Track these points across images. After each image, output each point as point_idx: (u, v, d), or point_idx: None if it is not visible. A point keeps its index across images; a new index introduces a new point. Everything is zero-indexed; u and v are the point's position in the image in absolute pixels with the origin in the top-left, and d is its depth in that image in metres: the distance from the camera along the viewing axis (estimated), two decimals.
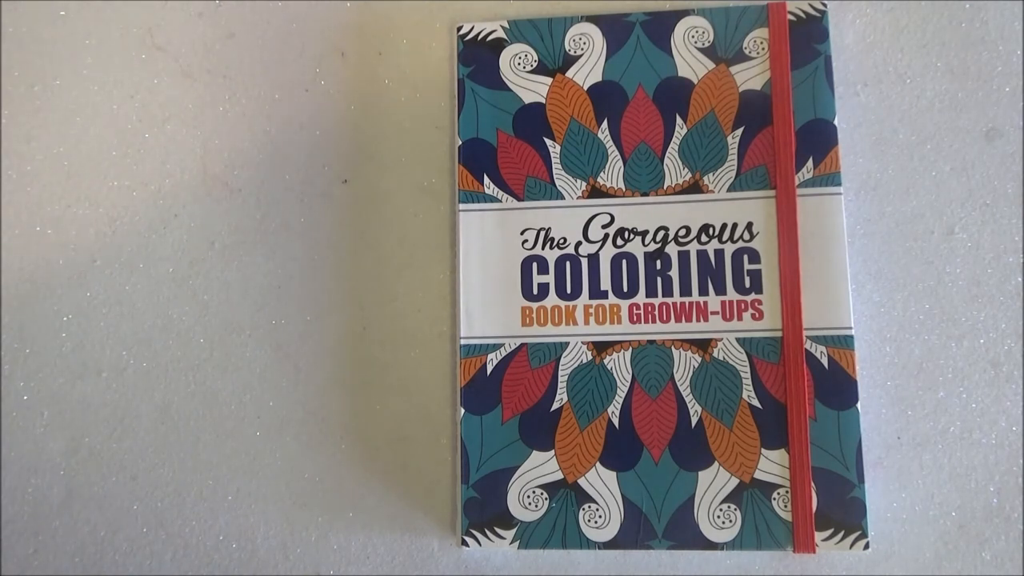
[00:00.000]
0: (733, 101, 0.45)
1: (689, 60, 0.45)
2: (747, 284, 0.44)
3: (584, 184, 0.45)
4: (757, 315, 0.43)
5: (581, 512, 0.43)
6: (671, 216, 0.44)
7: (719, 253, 0.44)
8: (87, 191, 0.50)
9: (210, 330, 0.48)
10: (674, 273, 0.44)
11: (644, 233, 0.44)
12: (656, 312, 0.44)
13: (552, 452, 0.43)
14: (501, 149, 0.46)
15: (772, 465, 0.42)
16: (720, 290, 0.44)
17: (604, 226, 0.45)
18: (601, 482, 0.43)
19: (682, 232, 0.44)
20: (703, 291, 0.44)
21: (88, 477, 0.48)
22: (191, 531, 0.47)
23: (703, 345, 0.43)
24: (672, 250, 0.44)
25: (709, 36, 0.45)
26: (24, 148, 0.50)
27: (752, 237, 0.44)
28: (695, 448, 0.43)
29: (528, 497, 0.43)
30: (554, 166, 0.45)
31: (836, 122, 0.44)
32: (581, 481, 0.43)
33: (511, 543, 0.43)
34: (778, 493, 0.42)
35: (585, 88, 0.46)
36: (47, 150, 0.50)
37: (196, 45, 0.50)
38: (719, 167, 0.44)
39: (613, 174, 0.45)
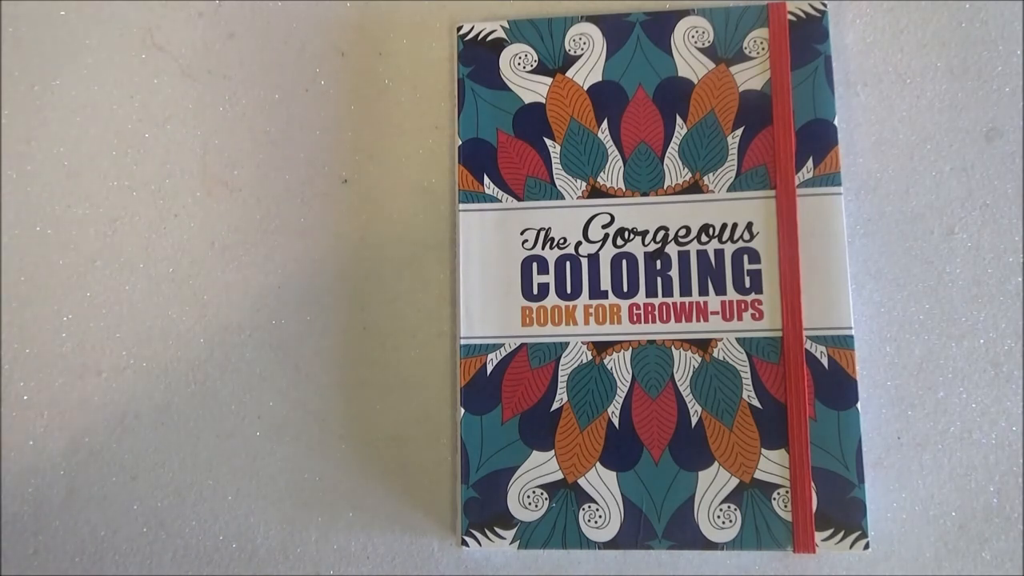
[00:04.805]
0: (733, 101, 0.45)
1: (689, 60, 0.45)
2: (747, 284, 0.44)
3: (584, 184, 0.45)
4: (757, 315, 0.43)
5: (581, 512, 0.43)
6: (671, 216, 0.44)
7: (719, 253, 0.44)
8: (87, 191, 0.50)
9: (210, 330, 0.48)
10: (674, 273, 0.44)
11: (644, 233, 0.44)
12: (656, 312, 0.44)
13: (552, 452, 0.43)
14: (501, 149, 0.46)
15: (772, 465, 0.42)
16: (720, 290, 0.44)
17: (604, 226, 0.45)
18: (601, 482, 0.43)
19: (682, 232, 0.44)
20: (703, 291, 0.44)
21: (88, 477, 0.48)
22: (191, 531, 0.47)
23: (703, 345, 0.43)
24: (672, 250, 0.44)
25: (709, 36, 0.45)
26: (24, 148, 0.50)
27: (752, 237, 0.44)
28: (695, 448, 0.43)
29: (528, 497, 0.43)
30: (554, 166, 0.45)
31: (836, 122, 0.44)
32: (581, 481, 0.43)
33: (511, 543, 0.43)
34: (778, 493, 0.42)
35: (585, 88, 0.46)
36: (47, 150, 0.50)
37: (196, 45, 0.50)
38: (719, 167, 0.44)
39: (613, 174, 0.45)
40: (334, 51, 0.50)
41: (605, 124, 0.45)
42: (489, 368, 0.44)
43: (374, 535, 0.46)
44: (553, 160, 0.45)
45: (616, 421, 0.43)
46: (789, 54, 0.45)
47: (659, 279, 0.44)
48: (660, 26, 0.46)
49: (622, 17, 0.46)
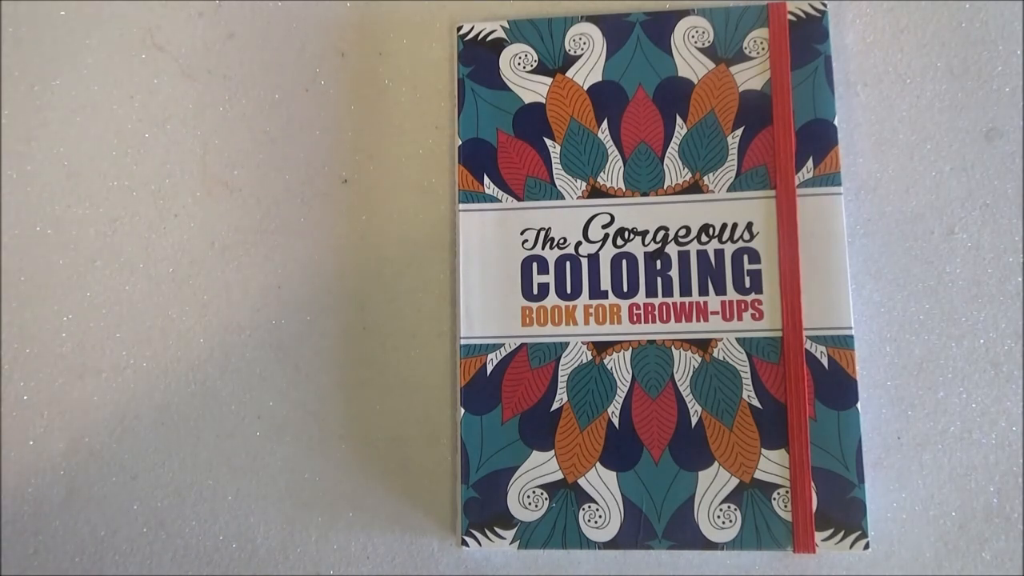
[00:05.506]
0: (733, 101, 0.45)
1: (689, 60, 0.45)
2: (747, 284, 0.44)
3: (584, 184, 0.45)
4: (757, 315, 0.43)
5: (581, 512, 0.43)
6: (671, 216, 0.44)
7: (719, 253, 0.44)
8: (87, 191, 0.50)
9: (210, 330, 0.48)
10: (674, 273, 0.44)
11: (644, 233, 0.44)
12: (656, 312, 0.44)
13: (552, 452, 0.43)
14: (501, 149, 0.46)
15: (772, 465, 0.42)
16: (720, 290, 0.44)
17: (604, 226, 0.45)
18: (601, 482, 0.43)
19: (682, 232, 0.44)
20: (703, 291, 0.44)
21: (88, 477, 0.48)
22: (191, 531, 0.47)
23: (703, 345, 0.43)
24: (672, 250, 0.44)
25: (709, 36, 0.45)
26: (24, 148, 0.50)
27: (752, 237, 0.44)
28: (695, 448, 0.43)
29: (528, 497, 0.43)
30: (554, 166, 0.45)
31: (836, 122, 0.44)
32: (581, 481, 0.43)
33: (511, 543, 0.43)
34: (778, 493, 0.42)
35: (585, 88, 0.46)
36: (47, 150, 0.50)
37: (196, 45, 0.50)
38: (719, 167, 0.44)
39: (613, 174, 0.45)
40: (334, 51, 0.50)
41: (605, 124, 0.45)
42: (489, 368, 0.44)
43: (374, 535, 0.46)
44: (553, 160, 0.45)
45: (616, 421, 0.43)
46: (789, 54, 0.45)
47: (659, 279, 0.44)
48: (660, 26, 0.46)
49: (622, 17, 0.46)
